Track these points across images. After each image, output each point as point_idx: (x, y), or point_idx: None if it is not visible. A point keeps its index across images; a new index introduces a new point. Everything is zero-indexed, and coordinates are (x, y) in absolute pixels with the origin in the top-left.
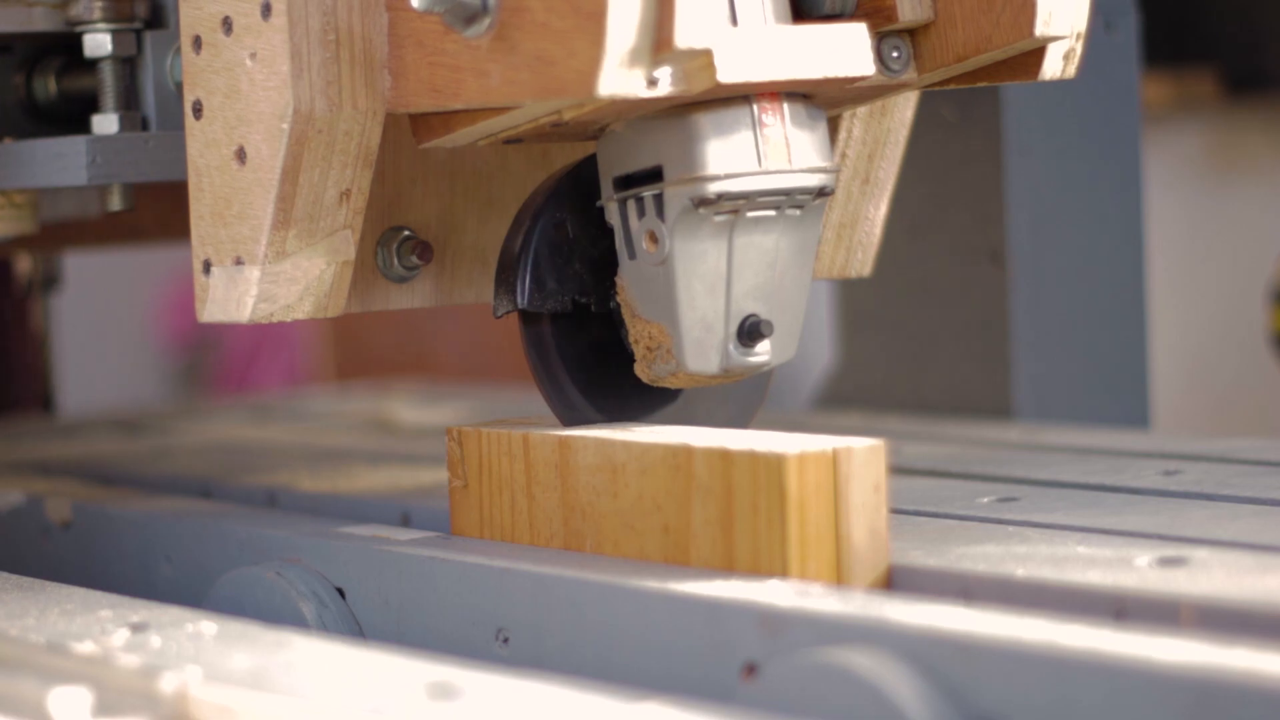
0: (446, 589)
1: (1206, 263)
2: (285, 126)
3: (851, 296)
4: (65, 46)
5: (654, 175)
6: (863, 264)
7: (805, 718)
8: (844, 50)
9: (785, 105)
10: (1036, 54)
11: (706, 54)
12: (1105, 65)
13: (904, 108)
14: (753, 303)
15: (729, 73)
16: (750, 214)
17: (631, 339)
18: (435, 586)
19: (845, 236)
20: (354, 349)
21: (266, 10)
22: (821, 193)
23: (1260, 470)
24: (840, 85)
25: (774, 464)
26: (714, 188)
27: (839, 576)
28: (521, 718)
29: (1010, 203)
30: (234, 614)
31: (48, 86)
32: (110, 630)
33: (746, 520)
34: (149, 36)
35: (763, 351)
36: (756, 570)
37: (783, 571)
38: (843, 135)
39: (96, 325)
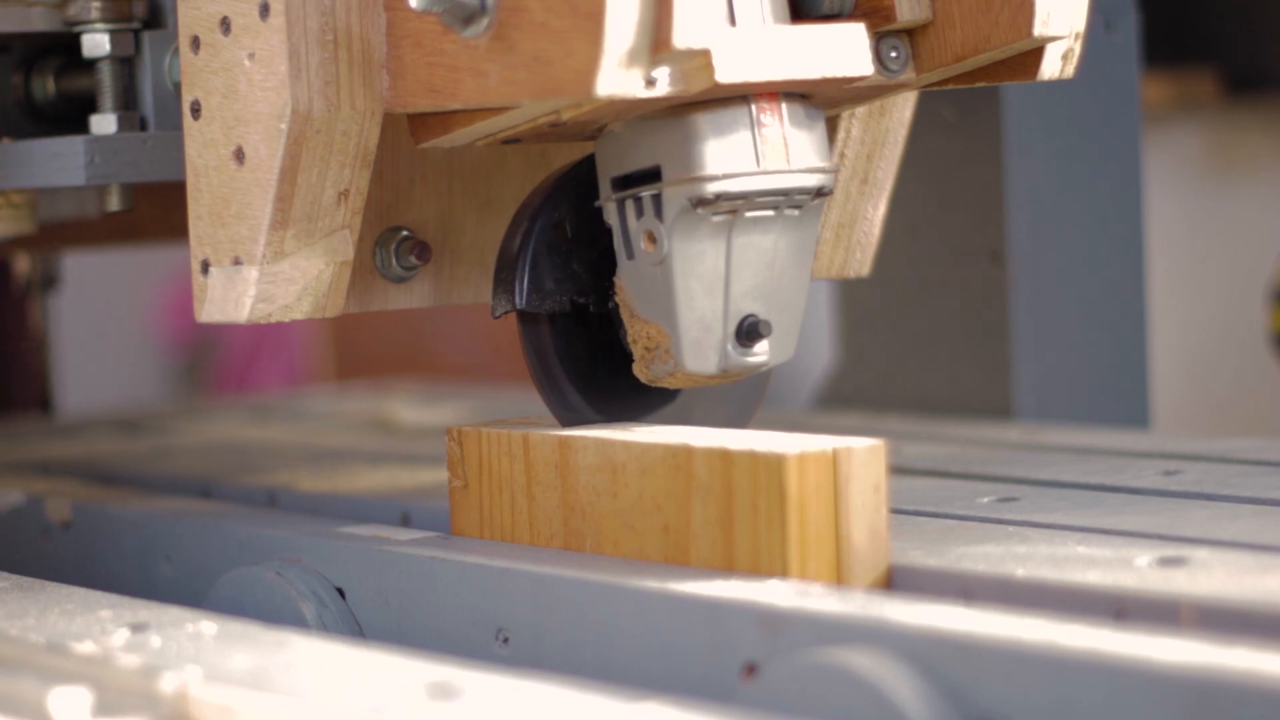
0: (446, 589)
1: (1206, 263)
2: (283, 127)
3: (851, 296)
4: (64, 46)
5: (652, 175)
6: (861, 264)
7: (805, 718)
8: (842, 50)
9: (783, 105)
10: (1035, 54)
11: (705, 54)
12: (1105, 65)
13: (903, 108)
14: (751, 303)
15: (727, 73)
16: (748, 214)
17: (630, 339)
18: (435, 586)
19: (844, 236)
20: (354, 349)
21: (265, 10)
22: (820, 193)
23: (1260, 470)
24: (838, 85)
25: (774, 464)
26: (712, 188)
27: (839, 576)
28: (521, 718)
29: (1010, 203)
30: (234, 614)
31: (46, 86)
32: (110, 630)
33: (746, 520)
34: (147, 36)
35: (761, 352)
36: (756, 570)
37: (783, 571)
38: (841, 135)
39: (96, 325)
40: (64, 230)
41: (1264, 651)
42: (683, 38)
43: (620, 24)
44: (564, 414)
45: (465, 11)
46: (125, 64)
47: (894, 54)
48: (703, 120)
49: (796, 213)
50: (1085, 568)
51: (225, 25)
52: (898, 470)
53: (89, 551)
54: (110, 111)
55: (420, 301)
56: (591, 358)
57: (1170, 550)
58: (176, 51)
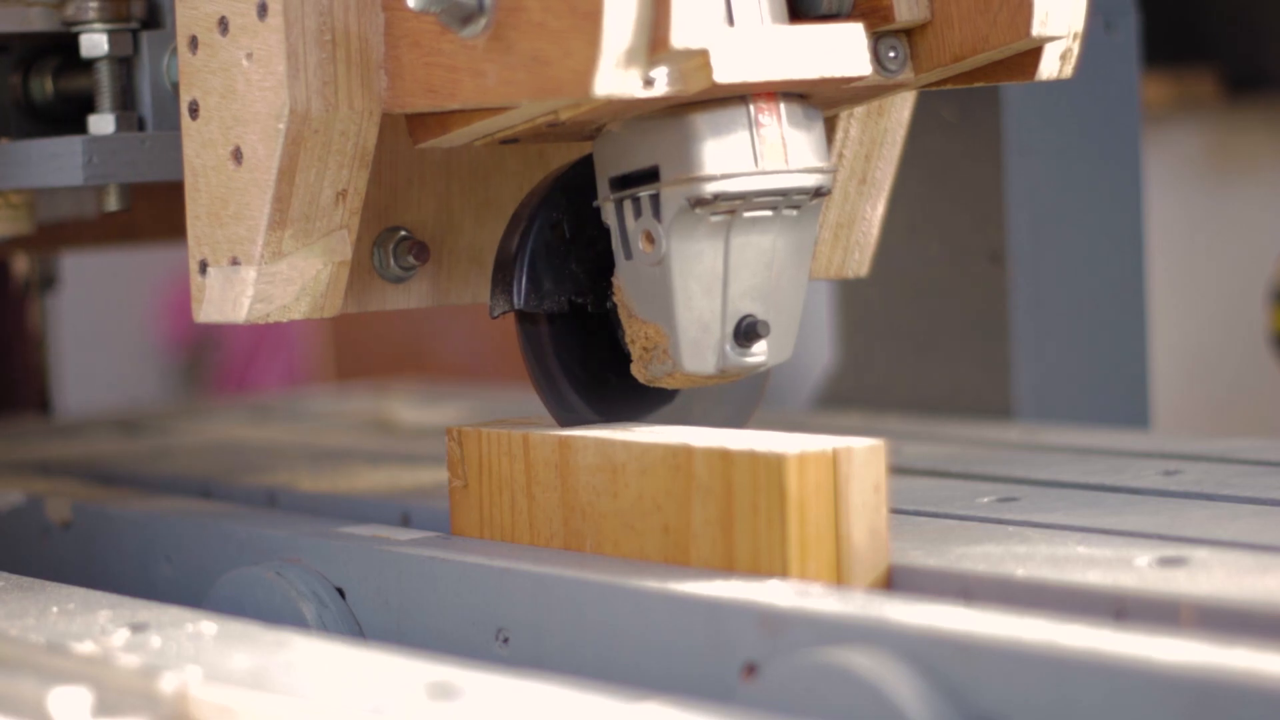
0: (446, 589)
1: (1206, 263)
2: (281, 127)
3: (851, 296)
4: (62, 46)
5: (650, 175)
6: (860, 264)
7: (805, 718)
8: (841, 50)
9: (782, 105)
10: (1033, 54)
11: (703, 54)
12: (1105, 65)
13: (901, 108)
14: (749, 303)
15: (725, 73)
16: (747, 214)
17: (628, 339)
18: (435, 586)
19: (843, 236)
20: (354, 349)
21: (263, 10)
22: (818, 193)
23: (1260, 470)
24: (837, 85)
25: (774, 464)
26: (710, 188)
27: (839, 576)
28: (521, 718)
29: (1010, 203)
30: (234, 614)
31: (44, 86)
32: (110, 630)
33: (746, 520)
34: (145, 36)
35: (759, 352)
36: (756, 570)
37: (783, 571)
38: (840, 135)
39: (96, 325)
40: (62, 230)
41: (1264, 651)
42: (681, 38)
43: (618, 24)
44: (562, 414)
45: (463, 11)
46: (123, 64)
47: (892, 54)
48: (701, 120)
49: (795, 213)
50: (1085, 568)
51: (223, 25)
52: (898, 470)
53: (89, 551)
54: (108, 111)
55: (418, 302)
56: (589, 358)
57: (1170, 550)
58: (175, 51)
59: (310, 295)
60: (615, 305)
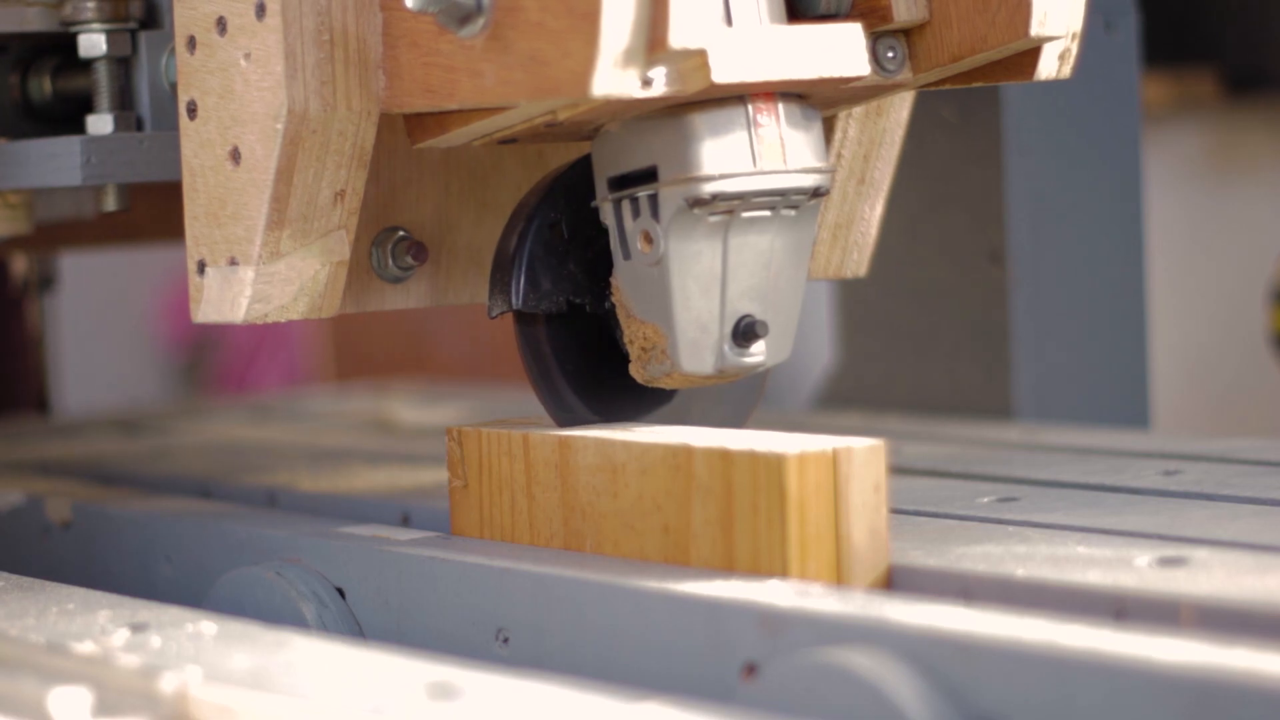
0: (446, 589)
1: (1206, 263)
2: (279, 127)
3: (851, 296)
4: (60, 46)
5: (649, 175)
6: (858, 264)
7: (805, 718)
8: (839, 50)
9: (780, 105)
10: (1032, 54)
11: (701, 54)
12: (1105, 65)
13: (900, 108)
14: (748, 303)
15: (724, 73)
16: (745, 214)
17: (626, 339)
18: (435, 586)
19: (841, 237)
20: (354, 349)
21: (261, 10)
22: (816, 193)
23: (1260, 470)
24: (835, 85)
25: (774, 464)
26: (709, 188)
27: (839, 576)
28: (521, 718)
29: (1010, 203)
30: (234, 614)
31: (43, 86)
32: (110, 630)
33: (746, 520)
34: (144, 36)
35: (758, 352)
36: (756, 570)
37: (783, 571)
38: (838, 135)
39: (96, 325)
40: (61, 230)
41: (1264, 651)
42: (679, 38)
43: (616, 24)
44: (560, 414)
45: (461, 11)
46: (122, 64)
47: (891, 54)
48: (699, 120)
49: (793, 213)
50: (1085, 568)
51: (221, 25)
52: (898, 470)
53: (89, 551)
54: (107, 111)
55: (417, 302)
56: (588, 358)
57: (1170, 550)
58: (173, 51)
59: (308, 295)
60: (613, 305)
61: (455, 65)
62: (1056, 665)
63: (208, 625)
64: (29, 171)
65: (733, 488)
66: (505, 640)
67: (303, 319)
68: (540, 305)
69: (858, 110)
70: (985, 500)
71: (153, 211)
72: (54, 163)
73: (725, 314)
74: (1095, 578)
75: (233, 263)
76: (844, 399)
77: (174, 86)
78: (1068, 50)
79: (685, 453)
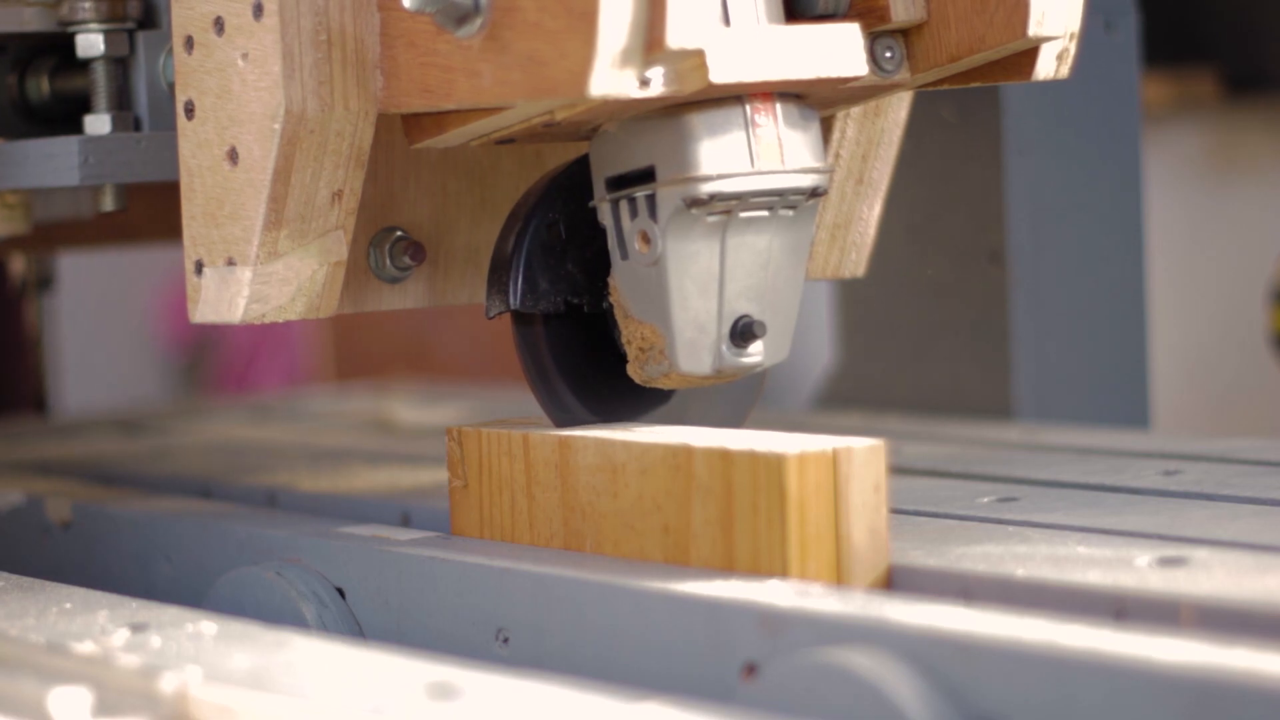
0: (446, 589)
1: (1206, 263)
2: (277, 127)
3: (851, 296)
4: (58, 46)
5: (646, 175)
6: (856, 264)
7: (805, 718)
8: (837, 50)
9: (778, 105)
10: (1030, 54)
11: (699, 54)
12: (1105, 65)
13: (898, 108)
14: (745, 303)
15: (721, 73)
16: (743, 214)
17: (624, 340)
18: (435, 586)
19: (839, 237)
20: (354, 349)
21: (258, 10)
22: (814, 193)
23: (1260, 470)
24: (833, 85)
25: (774, 464)
26: (706, 188)
27: (839, 576)
28: (521, 718)
29: (1010, 203)
30: (234, 614)
31: (40, 87)
32: (110, 630)
33: (746, 520)
34: (141, 36)
35: (755, 352)
36: (756, 570)
37: (783, 571)
38: (836, 135)
39: (96, 325)
40: (59, 230)
41: (1264, 651)
42: (676, 38)
43: (614, 24)
44: (558, 415)
45: (459, 11)
46: (119, 64)
47: (889, 54)
48: (697, 120)
49: (791, 213)
50: (1085, 568)
51: (219, 25)
52: (898, 470)
53: (89, 551)
54: (104, 112)
55: (414, 302)
56: (586, 358)
57: (1170, 550)
58: (170, 51)
59: (306, 296)
60: (611, 306)
61: (453, 65)
62: (1056, 665)
63: (208, 625)
64: (27, 171)
65: (733, 488)
66: (505, 640)
67: (300, 319)
68: (538, 305)
69: (856, 110)
70: (985, 500)
71: (151, 211)
72: (52, 163)
73: (723, 314)
74: (1095, 578)
75: (230, 263)
76: (844, 399)
77: (172, 86)
78: (1066, 50)
79: (685, 453)
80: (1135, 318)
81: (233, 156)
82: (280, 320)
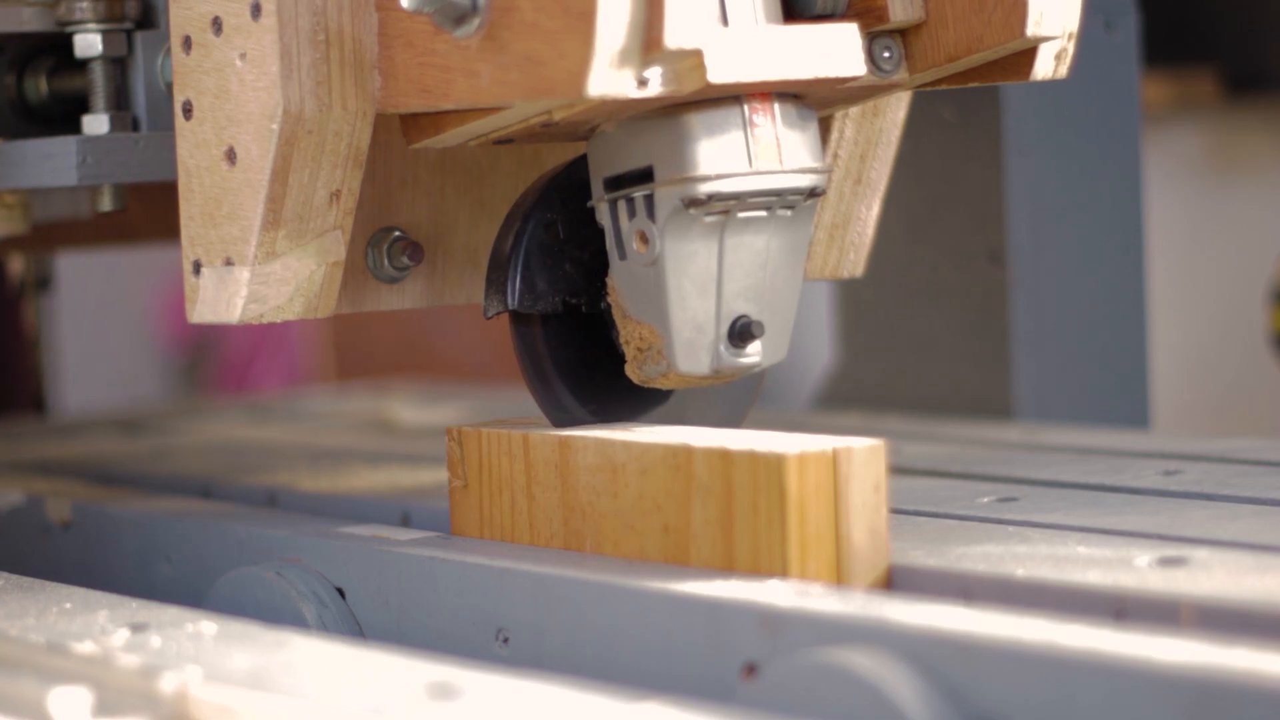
0: (446, 589)
1: (1206, 263)
2: (275, 127)
3: (851, 296)
4: (56, 46)
5: (644, 176)
6: (855, 264)
7: (805, 718)
8: (835, 50)
9: (776, 105)
10: (1028, 54)
11: (697, 54)
12: (1105, 65)
13: (896, 108)
14: (743, 303)
15: (719, 73)
16: (741, 214)
17: (622, 340)
18: (435, 586)
19: (837, 237)
20: (354, 349)
21: (256, 10)
22: (813, 193)
23: (1260, 470)
24: (831, 85)
25: (774, 464)
26: (704, 188)
27: (839, 576)
28: (521, 718)
29: (1010, 203)
30: (234, 614)
31: (38, 87)
32: (110, 630)
33: (746, 520)
34: (140, 37)
35: (754, 352)
36: (756, 570)
37: (783, 571)
38: (835, 136)
39: (96, 325)
40: (57, 230)
41: (1264, 651)
42: (674, 38)
43: (612, 24)
44: (556, 415)
45: (456, 11)
46: (117, 64)
47: (887, 54)
48: (695, 120)
49: (789, 213)
50: (1085, 568)
51: (217, 25)
52: (898, 470)
53: (89, 551)
54: (102, 112)
55: (413, 302)
56: (584, 358)
57: (1170, 550)
58: (169, 51)
59: (304, 296)
60: (609, 306)
61: (451, 65)
62: (1056, 665)
63: (208, 625)
64: (25, 172)
65: (733, 488)
66: (505, 640)
67: (298, 319)
68: (536, 306)
69: (854, 110)
70: (985, 500)
71: (149, 211)
72: (50, 163)
73: (721, 314)
74: (1095, 578)
75: (228, 263)
76: (844, 399)
77: (170, 87)
78: (1064, 50)
79: (685, 453)
80: (1135, 318)
81: (230, 156)
82: (278, 320)
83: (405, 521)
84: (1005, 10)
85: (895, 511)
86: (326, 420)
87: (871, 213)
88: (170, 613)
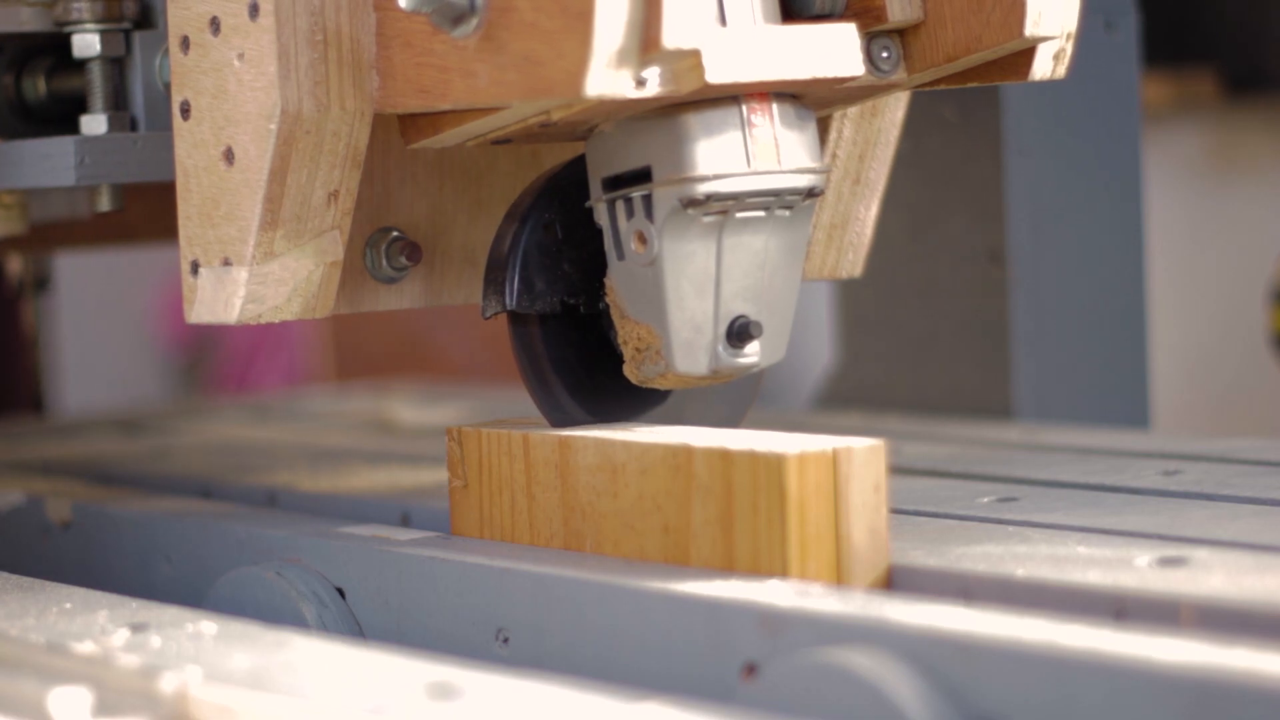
0: (446, 589)
1: (1206, 263)
2: (273, 127)
3: (851, 296)
4: (55, 47)
5: (643, 176)
6: (853, 265)
7: (805, 718)
8: (833, 50)
9: (774, 106)
10: (1026, 54)
11: (695, 54)
12: (1105, 65)
13: (895, 108)
14: (742, 304)
15: (717, 73)
16: (739, 215)
17: (620, 340)
18: (435, 586)
19: (836, 237)
20: (354, 349)
21: (254, 10)
22: (811, 193)
23: (1260, 470)
24: (830, 86)
25: (774, 464)
26: (703, 188)
27: (839, 576)
28: (521, 718)
29: (1010, 203)
30: (234, 614)
31: (37, 87)
32: (110, 630)
33: (746, 520)
34: (138, 37)
35: (752, 353)
36: (756, 570)
37: (783, 571)
38: (833, 136)
39: (97, 325)
40: (56, 231)
41: (1264, 651)
42: (672, 38)
43: (610, 24)
44: (554, 415)
45: (454, 12)
46: (116, 64)
47: (885, 54)
48: (693, 120)
49: (787, 213)
50: (1085, 568)
51: (215, 25)
52: (898, 470)
53: (89, 551)
54: (100, 112)
55: (411, 302)
56: (582, 359)
57: (1170, 550)
58: (167, 52)
59: (302, 296)
60: (608, 306)
61: (449, 65)
62: (1056, 665)
63: (208, 625)
64: (23, 172)
65: (733, 488)
66: (505, 640)
67: (297, 319)
68: (534, 306)
69: (853, 110)
70: (985, 500)
71: (147, 211)
72: (48, 163)
73: (719, 314)
74: (1095, 578)
75: (226, 263)
76: (844, 399)
77: (168, 87)
78: (1063, 50)
79: (685, 453)
80: (1135, 318)
81: (229, 157)
82: (276, 320)
83: (405, 521)
84: (1003, 10)
85: (895, 511)
86: (326, 420)
87: (870, 213)
88: (170, 613)
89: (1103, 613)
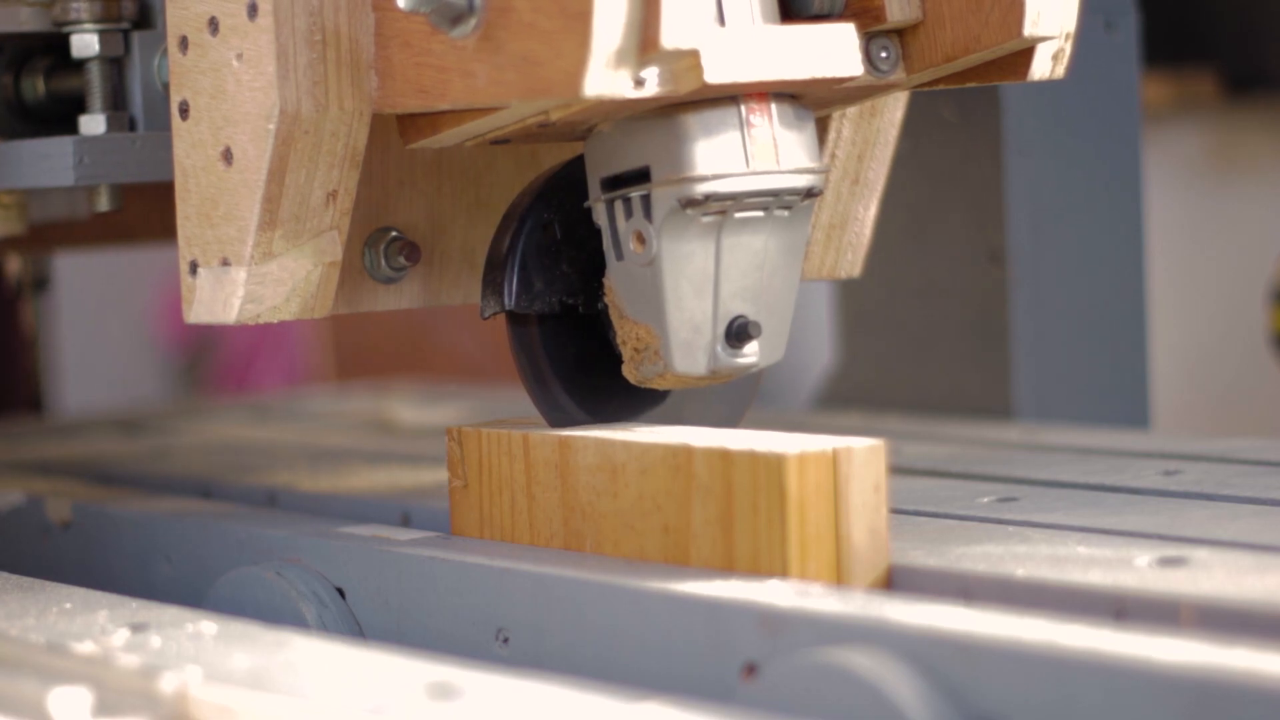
0: (446, 589)
1: (1206, 263)
2: (271, 127)
3: (851, 296)
4: (53, 47)
5: (641, 176)
6: (852, 265)
7: (805, 718)
8: (832, 50)
9: (773, 106)
10: (1025, 54)
11: (693, 54)
12: (1105, 65)
13: (894, 108)
14: (741, 304)
15: (716, 73)
16: (738, 215)
17: (619, 340)
18: (435, 586)
19: (835, 237)
20: (354, 349)
21: (253, 11)
22: (810, 193)
23: (1260, 470)
24: (828, 86)
25: (774, 464)
26: (701, 188)
27: (839, 576)
28: (521, 718)
29: (1010, 203)
30: (234, 614)
31: (36, 87)
32: (110, 630)
33: (746, 520)
34: (136, 37)
35: (751, 353)
36: (756, 570)
37: (783, 571)
38: (832, 136)
39: (96, 325)
40: (55, 231)
41: (1264, 651)
42: (671, 38)
43: (608, 24)
44: (553, 415)
45: (453, 12)
46: (114, 64)
47: (884, 54)
48: (692, 121)
49: (786, 213)
50: (1085, 568)
51: (213, 25)
52: (898, 470)
53: (89, 551)
54: (99, 112)
55: (409, 302)
56: (581, 359)
57: (1170, 550)
58: (165, 52)
59: (300, 296)
60: (606, 306)
61: (447, 65)
62: (1056, 665)
63: (208, 625)
64: (22, 172)
65: (733, 488)
66: (505, 640)
67: (295, 319)
68: (533, 306)
69: (852, 110)
70: (985, 500)
71: (146, 211)
72: (47, 163)
73: (718, 315)
74: (1095, 578)
75: (225, 263)
76: (844, 399)
77: (166, 87)
78: (1061, 50)
79: (685, 453)
80: (1135, 318)
81: (227, 157)
82: (274, 320)
83: (405, 521)
84: (1002, 10)
85: (895, 511)
86: (326, 420)
87: (869, 213)
88: (170, 613)
89: (1103, 613)
